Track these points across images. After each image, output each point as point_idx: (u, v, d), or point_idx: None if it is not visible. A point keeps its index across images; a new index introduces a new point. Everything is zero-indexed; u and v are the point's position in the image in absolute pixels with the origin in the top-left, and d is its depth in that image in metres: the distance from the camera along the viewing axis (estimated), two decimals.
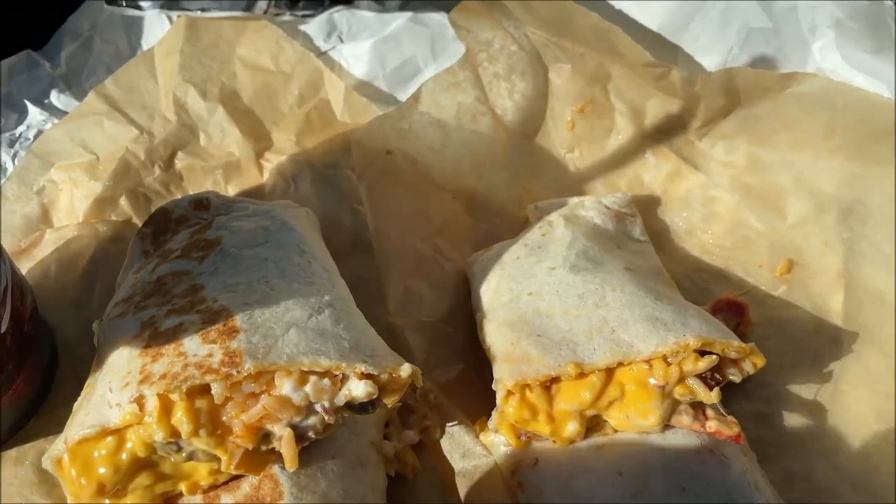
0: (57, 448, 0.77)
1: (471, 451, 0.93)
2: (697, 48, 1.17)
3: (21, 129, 1.22)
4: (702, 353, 0.85)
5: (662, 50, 1.16)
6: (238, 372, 0.74)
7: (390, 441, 0.94)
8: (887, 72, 1.06)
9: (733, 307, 1.05)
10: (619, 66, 1.15)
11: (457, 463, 0.93)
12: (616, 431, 0.88)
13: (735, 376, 0.88)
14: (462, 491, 0.91)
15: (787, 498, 0.91)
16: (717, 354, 0.85)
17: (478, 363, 1.04)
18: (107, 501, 0.79)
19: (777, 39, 1.15)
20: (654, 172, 1.18)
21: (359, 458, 0.88)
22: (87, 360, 0.99)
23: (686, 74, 1.11)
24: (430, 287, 1.09)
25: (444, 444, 0.95)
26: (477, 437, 0.94)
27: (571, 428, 0.86)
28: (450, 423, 0.96)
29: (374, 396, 0.79)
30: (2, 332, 0.87)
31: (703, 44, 1.16)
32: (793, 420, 0.99)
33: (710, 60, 1.17)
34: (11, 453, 0.95)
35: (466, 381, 1.03)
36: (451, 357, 1.04)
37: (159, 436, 0.74)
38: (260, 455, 0.79)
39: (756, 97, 1.12)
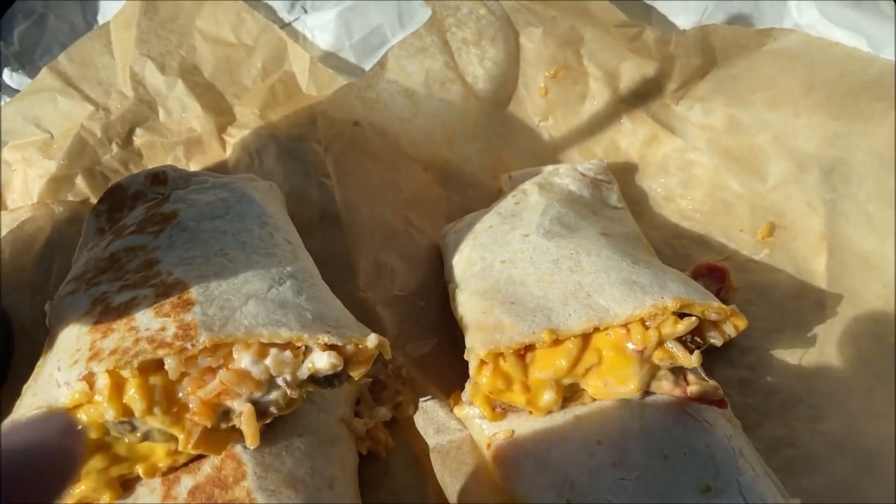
0: None
1: (445, 426, 0.90)
2: (671, 7, 1.14)
3: None
4: (681, 315, 0.82)
5: (636, 10, 1.12)
6: (193, 345, 0.70)
7: (361, 418, 0.90)
8: (866, 25, 1.02)
9: (714, 272, 1.02)
10: (592, 29, 1.12)
11: (431, 439, 0.89)
12: (594, 400, 0.85)
13: (716, 339, 0.85)
14: (437, 467, 0.88)
15: (773, 465, 0.88)
16: (696, 317, 0.82)
17: (452, 336, 1.01)
18: None
19: None
20: (630, 138, 1.15)
21: (328, 435, 0.84)
22: (44, 344, 0.95)
23: (660, 34, 1.08)
24: (402, 260, 1.05)
25: (418, 419, 0.91)
26: (451, 411, 0.91)
27: (547, 397, 0.83)
28: (423, 398, 0.92)
29: (340, 369, 0.75)
30: None
31: (677, 3, 1.13)
32: (777, 386, 0.96)
33: (684, 19, 1.13)
34: None
35: (440, 354, 0.99)
36: (425, 331, 1.00)
37: (110, 415, 0.70)
38: (220, 433, 0.75)
39: (732, 56, 1.08)
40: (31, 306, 1.02)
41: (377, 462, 0.90)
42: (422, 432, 0.90)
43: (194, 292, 0.76)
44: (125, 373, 0.70)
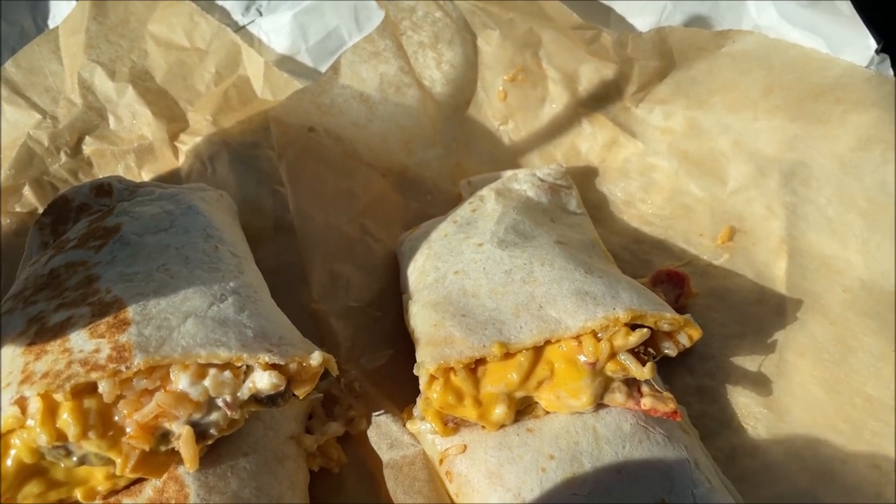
0: None
1: (398, 441, 0.88)
2: (629, 8, 1.12)
3: None
4: (633, 326, 0.80)
5: (593, 12, 1.11)
6: (127, 367, 0.68)
7: (313, 434, 0.88)
8: (825, 25, 1.01)
9: (673, 278, 1.01)
10: (550, 31, 1.10)
11: (384, 454, 0.88)
12: (547, 413, 0.83)
13: (670, 350, 0.83)
14: (390, 483, 0.86)
15: (731, 475, 0.87)
16: (649, 328, 0.80)
17: (408, 348, 0.98)
18: None
19: None
20: (590, 142, 1.13)
21: (276, 454, 0.82)
22: None
23: (616, 36, 1.06)
24: (358, 270, 1.03)
25: (371, 434, 0.90)
26: (404, 425, 0.89)
27: (499, 411, 0.81)
28: (376, 413, 0.91)
29: (282, 388, 0.73)
30: None
31: (635, 5, 1.11)
32: (737, 393, 0.95)
33: (642, 21, 1.12)
34: None
35: (396, 367, 0.97)
36: (380, 343, 0.99)
37: (43, 440, 0.68)
38: (159, 456, 0.73)
39: (691, 58, 1.07)
40: None
41: (329, 478, 0.88)
42: (375, 447, 0.89)
43: (131, 311, 0.74)
44: (58, 396, 0.68)
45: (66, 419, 0.68)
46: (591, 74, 1.11)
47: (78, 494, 0.74)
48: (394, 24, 1.11)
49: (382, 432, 0.89)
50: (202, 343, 0.71)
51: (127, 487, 0.76)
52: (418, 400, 0.84)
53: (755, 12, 1.06)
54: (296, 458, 0.84)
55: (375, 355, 0.97)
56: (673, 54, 1.07)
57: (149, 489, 0.76)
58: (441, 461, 0.85)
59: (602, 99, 1.12)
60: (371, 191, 1.09)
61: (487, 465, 0.81)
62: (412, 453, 0.87)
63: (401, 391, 0.94)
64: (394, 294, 1.02)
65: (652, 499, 0.78)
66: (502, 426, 0.83)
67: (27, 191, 1.07)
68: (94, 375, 0.68)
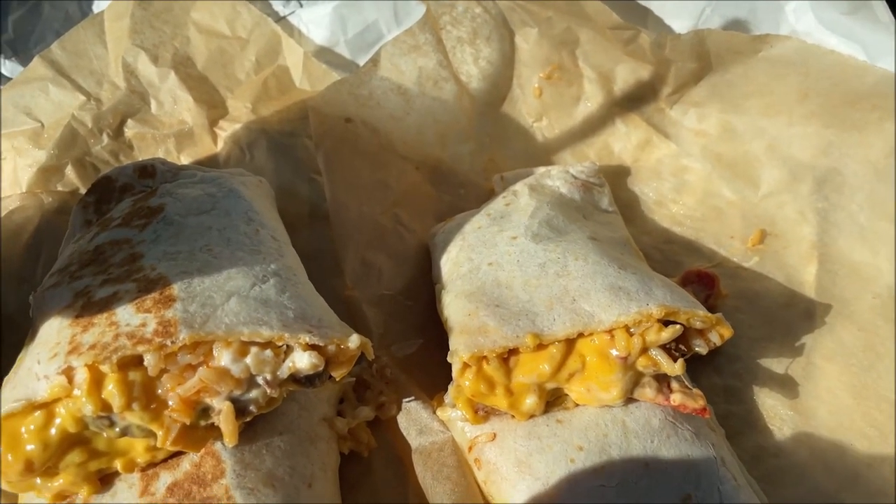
0: None
1: (428, 428, 0.89)
2: (667, 11, 1.13)
3: None
4: (666, 323, 0.81)
5: (631, 13, 1.12)
6: (172, 342, 0.70)
7: (344, 417, 0.90)
8: (863, 33, 1.01)
9: (703, 279, 1.01)
10: (588, 30, 1.11)
11: (413, 440, 0.89)
12: (577, 405, 0.85)
13: (701, 348, 0.84)
14: (418, 469, 0.87)
15: (756, 474, 0.88)
16: (681, 325, 0.81)
17: (438, 337, 1.00)
18: (38, 480, 0.75)
19: (748, 4, 1.10)
20: (623, 141, 1.14)
21: (309, 434, 0.84)
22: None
23: (654, 37, 1.07)
24: (390, 259, 1.05)
25: (401, 420, 0.91)
26: (434, 412, 0.90)
27: (530, 402, 0.82)
28: (406, 399, 0.92)
29: (320, 369, 0.75)
30: None
31: (673, 6, 1.12)
32: (763, 395, 0.95)
33: (680, 23, 1.13)
34: None
35: (426, 355, 0.99)
36: (411, 331, 1.00)
37: (89, 409, 0.69)
38: (199, 430, 0.75)
39: (728, 61, 1.07)
40: (18, 297, 1.02)
41: (359, 462, 0.90)
42: (404, 433, 0.90)
43: (176, 288, 0.76)
44: (104, 368, 0.70)
45: (112, 390, 0.70)
46: (626, 74, 1.12)
47: (118, 465, 0.76)
48: (434, 19, 1.12)
49: (412, 418, 0.90)
50: (245, 321, 0.73)
51: (165, 461, 0.78)
52: (450, 387, 0.86)
53: (793, 18, 1.07)
54: (328, 440, 0.86)
55: (406, 343, 0.98)
56: (710, 57, 1.07)
57: (186, 463, 0.77)
58: (470, 448, 0.86)
59: (637, 99, 1.13)
60: (405, 182, 1.10)
61: (517, 453, 0.82)
62: (441, 440, 0.88)
63: (429, 379, 0.95)
64: (424, 284, 1.03)
65: (678, 494, 0.79)
66: (532, 416, 0.84)
67: (69, 170, 1.10)
68: (140, 349, 0.69)
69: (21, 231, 1.05)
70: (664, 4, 1.12)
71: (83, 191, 1.09)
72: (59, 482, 0.75)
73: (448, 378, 0.94)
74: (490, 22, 1.13)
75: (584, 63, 1.13)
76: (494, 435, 0.85)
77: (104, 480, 0.77)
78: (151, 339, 0.70)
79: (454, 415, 0.88)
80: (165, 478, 0.77)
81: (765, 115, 1.07)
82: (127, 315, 0.73)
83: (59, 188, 1.09)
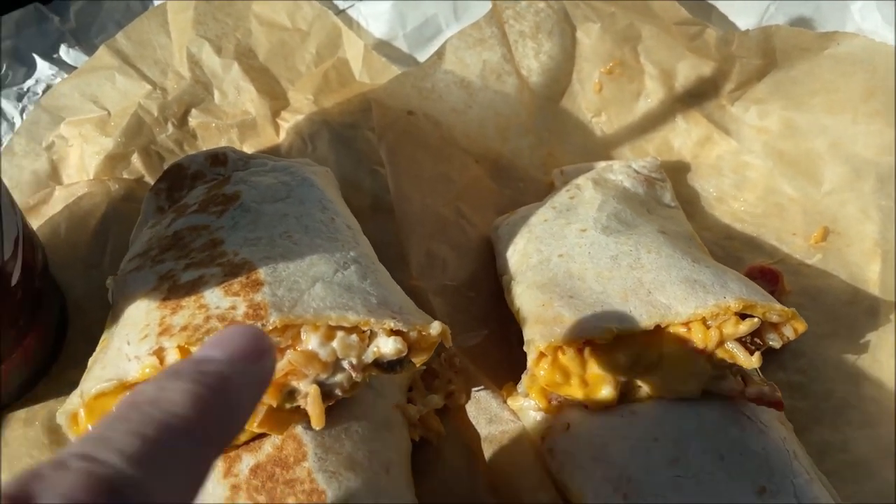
0: (72, 402, 0.74)
1: (498, 417, 0.90)
2: (732, 8, 1.13)
3: (29, 83, 1.18)
4: (742, 316, 0.82)
5: (695, 11, 1.12)
6: (263, 325, 0.71)
7: (415, 405, 0.90)
8: None
9: (767, 275, 1.02)
10: (651, 27, 1.11)
11: (483, 428, 0.90)
12: (650, 397, 0.85)
13: (775, 342, 0.85)
14: (488, 457, 0.88)
15: (823, 469, 0.88)
16: (758, 318, 0.82)
17: (501, 329, 1.01)
18: None
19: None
20: (683, 138, 1.15)
21: (384, 420, 0.85)
22: (98, 321, 0.95)
23: (722, 33, 1.07)
24: (453, 251, 1.05)
25: (470, 409, 0.92)
26: (504, 402, 0.91)
27: (605, 392, 0.83)
28: (475, 388, 0.93)
29: (404, 354, 0.75)
30: (13, 284, 0.83)
31: (737, 3, 1.12)
32: (829, 391, 0.96)
33: (744, 21, 1.13)
34: (20, 414, 0.92)
35: (490, 346, 0.99)
36: (474, 322, 1.01)
37: None
38: (284, 413, 0.76)
39: (793, 58, 1.08)
40: (85, 282, 1.03)
41: (428, 449, 0.90)
42: (473, 422, 0.91)
43: (262, 273, 0.77)
44: (194, 349, 0.71)
45: None
46: (688, 71, 1.12)
47: None
48: (499, 11, 1.13)
49: (481, 407, 0.91)
50: (331, 306, 0.74)
51: (246, 443, 0.79)
52: (523, 376, 0.86)
53: (859, 17, 1.07)
54: (401, 427, 0.86)
55: (470, 334, 0.99)
56: (776, 54, 1.08)
57: (268, 446, 0.78)
58: (543, 438, 0.86)
59: (698, 96, 1.13)
60: (466, 176, 1.11)
61: (592, 443, 0.83)
62: (512, 429, 0.89)
63: (494, 370, 0.96)
64: (487, 276, 1.04)
65: (753, 486, 0.79)
66: (606, 407, 0.84)
67: (135, 158, 1.11)
68: None
69: (88, 217, 1.06)
70: (728, 3, 1.12)
71: (148, 178, 1.10)
72: None
73: (512, 369, 0.95)
74: (552, 17, 1.14)
75: (646, 59, 1.13)
76: (568, 425, 0.85)
77: None
78: (242, 321, 0.71)
79: (526, 404, 0.88)
80: (248, 460, 0.77)
81: (829, 112, 1.07)
82: (216, 298, 0.74)
83: (125, 176, 1.10)
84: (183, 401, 0.43)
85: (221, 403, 0.45)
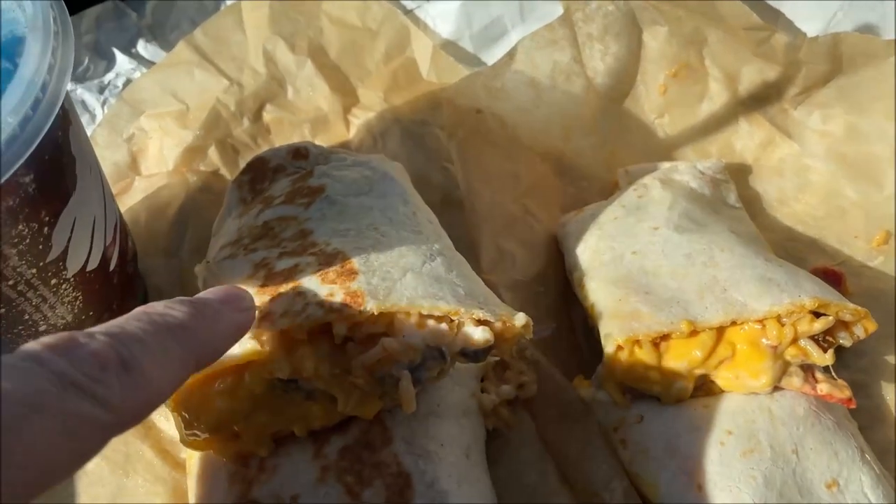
0: None
1: (570, 408, 0.92)
2: (798, 13, 1.15)
3: (110, 76, 1.22)
4: (815, 315, 0.84)
5: (761, 14, 1.14)
6: (361, 312, 0.74)
7: (488, 395, 0.93)
8: None
9: (830, 276, 1.03)
10: (717, 31, 1.14)
11: (554, 419, 0.92)
12: (723, 392, 0.87)
13: (846, 340, 0.87)
14: (560, 447, 0.91)
15: (885, 467, 0.90)
16: (831, 317, 0.84)
17: (569, 324, 1.04)
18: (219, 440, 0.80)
19: (881, 6, 1.12)
20: (746, 140, 1.17)
21: (462, 408, 0.88)
22: None
23: (790, 39, 1.09)
24: (522, 247, 1.08)
25: (541, 400, 0.94)
26: (575, 393, 0.93)
27: (679, 386, 0.86)
28: (546, 380, 0.95)
29: (491, 343, 0.78)
30: (111, 269, 0.87)
31: (805, 8, 1.14)
32: (891, 390, 0.97)
33: (810, 26, 1.15)
34: None
35: (558, 340, 1.02)
36: (543, 317, 1.03)
37: (282, 373, 0.74)
38: (374, 398, 0.79)
39: (859, 64, 1.09)
40: (164, 270, 1.07)
41: (499, 438, 0.93)
42: (544, 412, 0.93)
43: (356, 262, 0.80)
44: (296, 334, 0.74)
45: (301, 356, 0.74)
46: (753, 75, 1.14)
47: (295, 428, 0.80)
48: (570, 14, 1.15)
49: (552, 398, 0.94)
50: (423, 296, 0.77)
51: (334, 427, 0.82)
52: (599, 368, 0.89)
53: None
54: (477, 415, 0.89)
55: (540, 328, 1.01)
56: (842, 60, 1.09)
57: (355, 429, 0.81)
58: (616, 429, 0.89)
59: (761, 99, 1.15)
60: (533, 173, 1.14)
61: (666, 435, 0.85)
62: (583, 419, 0.91)
63: (563, 364, 0.98)
64: (554, 272, 1.07)
65: (822, 481, 0.82)
66: (679, 401, 0.87)
67: (212, 151, 1.14)
68: (331, 317, 0.73)
69: (167, 208, 1.10)
70: (795, 7, 1.14)
71: (224, 171, 1.14)
72: (238, 442, 0.79)
73: (580, 362, 0.98)
74: (620, 19, 1.16)
75: (711, 62, 1.15)
76: (641, 417, 0.88)
77: (278, 442, 0.82)
78: (341, 308, 0.74)
79: (599, 396, 0.91)
80: (336, 442, 0.81)
81: (891, 118, 1.09)
82: (313, 285, 0.77)
83: (202, 168, 1.14)
84: (181, 317, 0.59)
85: (208, 327, 0.62)
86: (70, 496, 0.89)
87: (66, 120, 0.73)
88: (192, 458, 0.86)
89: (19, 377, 0.44)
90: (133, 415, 0.51)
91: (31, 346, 0.48)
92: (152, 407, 0.55)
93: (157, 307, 0.60)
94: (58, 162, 0.71)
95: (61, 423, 0.45)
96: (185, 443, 0.79)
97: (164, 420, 0.93)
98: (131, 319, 0.56)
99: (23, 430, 0.42)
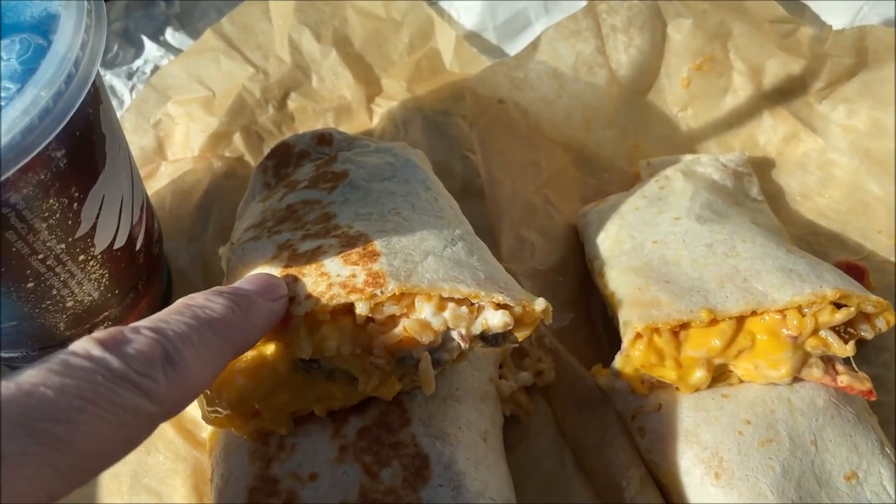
0: None
1: (587, 396, 0.93)
2: (824, 7, 1.15)
3: (138, 63, 1.24)
4: (837, 306, 0.84)
5: (788, 8, 1.14)
6: (382, 292, 0.74)
7: (506, 381, 0.94)
8: None
9: (852, 270, 1.03)
10: (741, 24, 1.13)
11: (572, 407, 0.93)
12: (741, 382, 0.87)
13: (867, 332, 0.86)
14: (578, 435, 0.91)
15: None
16: (853, 308, 0.84)
17: (587, 314, 1.05)
18: (240, 418, 0.81)
19: None
20: (769, 134, 1.16)
21: (481, 393, 0.88)
22: (199, 289, 0.99)
23: (816, 32, 1.09)
24: (541, 236, 1.08)
25: (559, 387, 0.95)
26: (593, 381, 0.94)
27: (698, 375, 0.85)
28: (564, 368, 0.96)
29: (510, 327, 0.78)
30: (137, 249, 0.88)
31: (830, 3, 1.14)
32: None
33: (836, 20, 1.14)
34: None
35: (576, 329, 1.03)
36: (562, 306, 1.03)
37: (304, 353, 0.74)
38: (393, 379, 0.80)
39: (885, 59, 1.09)
40: (188, 253, 1.09)
41: (517, 425, 0.94)
42: (562, 400, 0.94)
43: (378, 245, 0.80)
44: (319, 315, 0.75)
45: (324, 335, 0.75)
46: (777, 69, 1.14)
47: (315, 408, 0.81)
48: (595, 5, 1.16)
49: (570, 386, 0.94)
50: (444, 278, 0.77)
51: (353, 407, 0.83)
52: (618, 357, 0.89)
53: None
54: (495, 400, 0.90)
55: (559, 317, 1.02)
56: (868, 54, 1.09)
57: (373, 410, 0.82)
58: (633, 417, 0.89)
59: (786, 93, 1.15)
60: (554, 164, 1.14)
61: (684, 424, 0.85)
62: (602, 408, 0.92)
63: (582, 352, 0.98)
64: (573, 262, 1.07)
65: (841, 471, 0.82)
66: (698, 390, 0.87)
67: (237, 137, 1.16)
68: (353, 297, 0.74)
69: (192, 192, 1.12)
70: (823, 2, 1.14)
71: (248, 157, 1.15)
72: (259, 420, 0.81)
73: (598, 351, 0.98)
74: (645, 12, 1.16)
75: (735, 55, 1.15)
76: (660, 405, 0.88)
77: (298, 422, 0.83)
78: (363, 288, 0.75)
79: (617, 384, 0.91)
80: (355, 422, 0.82)
81: None
82: (336, 267, 0.78)
83: (227, 154, 1.15)
84: (220, 310, 0.64)
85: (245, 318, 0.66)
86: None
87: (96, 98, 0.74)
88: (214, 436, 0.87)
89: (75, 373, 0.49)
90: (177, 405, 0.56)
91: (84, 342, 0.52)
92: (194, 396, 0.59)
93: (197, 300, 0.64)
94: (88, 139, 0.72)
95: (113, 415, 0.49)
96: (207, 420, 0.80)
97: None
98: (174, 314, 0.60)
99: (81, 421, 0.47)
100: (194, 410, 0.92)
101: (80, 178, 0.72)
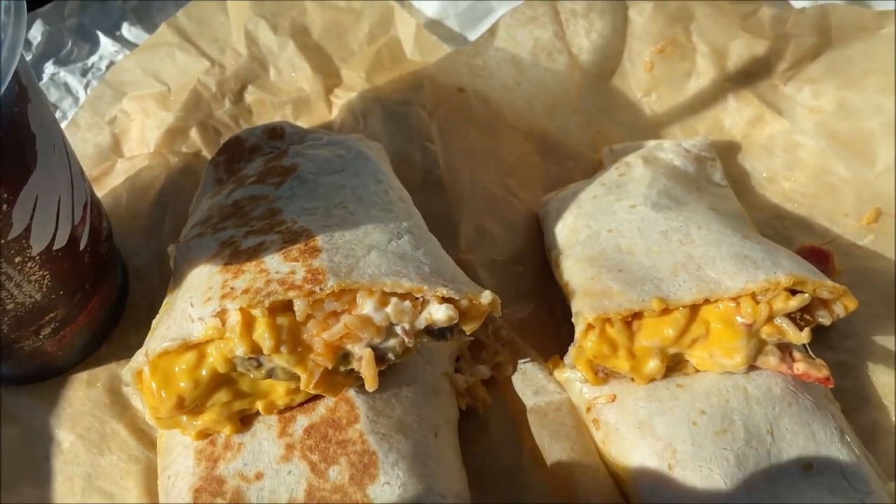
0: (137, 360, 0.77)
1: (544, 388, 0.91)
2: None
3: (93, 59, 1.22)
4: (792, 292, 0.82)
5: None
6: (321, 289, 0.73)
7: (462, 375, 0.92)
8: None
9: (817, 255, 1.01)
10: (703, 5, 1.11)
11: (529, 399, 0.91)
12: (697, 371, 0.86)
13: (825, 319, 0.85)
14: (534, 427, 0.90)
15: (871, 449, 0.88)
16: (808, 294, 0.82)
17: (547, 304, 1.03)
18: (184, 418, 0.79)
19: None
20: (734, 117, 1.14)
21: (433, 387, 0.87)
22: (157, 287, 1.00)
23: (776, 11, 1.07)
24: (501, 226, 1.07)
25: (516, 380, 0.93)
26: (550, 374, 0.92)
27: (652, 365, 0.84)
28: (522, 360, 0.94)
29: (455, 321, 0.77)
30: (81, 248, 0.87)
31: None
32: (878, 372, 0.95)
33: (800, 2, 1.12)
34: (83, 375, 0.96)
35: (536, 320, 1.01)
36: (521, 296, 1.02)
37: (241, 350, 0.73)
38: (339, 376, 0.78)
39: (849, 37, 1.07)
40: (146, 251, 1.07)
41: (475, 418, 0.92)
42: (519, 393, 0.92)
43: (320, 240, 0.79)
44: (256, 312, 0.73)
45: (262, 333, 0.73)
46: (741, 50, 1.12)
47: (259, 406, 0.80)
48: None
49: (528, 379, 0.93)
50: (386, 273, 0.76)
51: (301, 405, 0.81)
52: (571, 348, 0.87)
53: None
54: (449, 394, 0.88)
55: (517, 308, 1.00)
56: (831, 32, 1.07)
57: (321, 408, 0.81)
58: (588, 409, 0.88)
59: (750, 75, 1.13)
60: (515, 153, 1.12)
61: (638, 415, 0.84)
62: (558, 400, 0.90)
63: (541, 344, 0.97)
64: (534, 252, 1.06)
65: (799, 461, 0.80)
66: (652, 380, 0.85)
67: (193, 132, 1.14)
68: (291, 294, 0.73)
69: (148, 189, 1.10)
70: None
71: (205, 152, 1.14)
72: (203, 420, 0.79)
73: (559, 343, 0.96)
74: None
75: (698, 38, 1.13)
76: (614, 396, 0.86)
77: (244, 421, 0.81)
78: (301, 285, 0.73)
79: (572, 376, 0.90)
80: (302, 420, 0.80)
81: (884, 92, 1.06)
82: (276, 263, 0.77)
83: (184, 149, 1.14)
84: None
85: None
86: (46, 475, 0.89)
87: (23, 96, 0.72)
88: (162, 437, 0.86)
89: None
90: None
91: None
92: None
93: None
94: (15, 138, 0.71)
95: None
96: (151, 420, 0.79)
97: (139, 400, 0.93)
98: None
99: None
100: None
101: (9, 179, 0.71)
